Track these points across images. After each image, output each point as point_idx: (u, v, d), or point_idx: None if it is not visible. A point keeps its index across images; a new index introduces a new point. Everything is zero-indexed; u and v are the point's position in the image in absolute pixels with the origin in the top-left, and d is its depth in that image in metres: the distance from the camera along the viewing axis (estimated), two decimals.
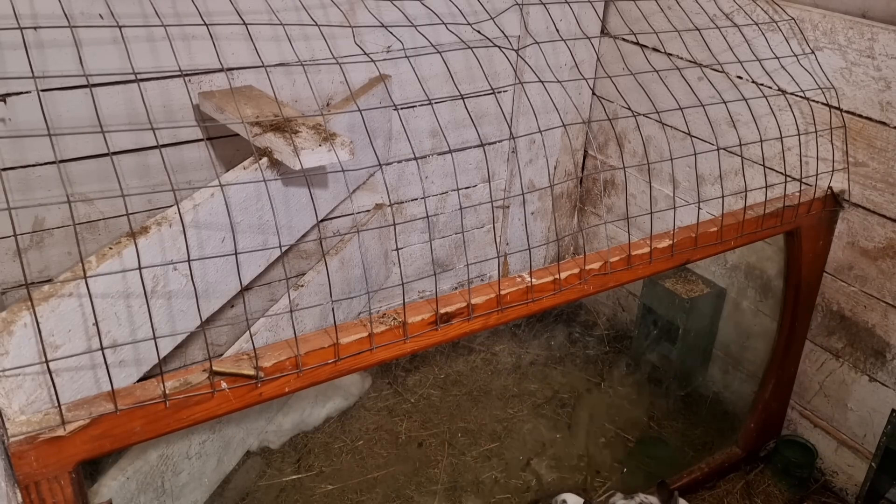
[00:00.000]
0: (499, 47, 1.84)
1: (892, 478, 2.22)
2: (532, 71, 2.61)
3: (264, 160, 1.84)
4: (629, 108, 2.62)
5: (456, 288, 3.07)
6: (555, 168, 3.12)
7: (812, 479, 2.43)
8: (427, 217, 2.90)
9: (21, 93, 1.97)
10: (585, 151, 3.19)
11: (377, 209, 2.69)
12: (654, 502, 2.10)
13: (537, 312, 1.73)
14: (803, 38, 2.19)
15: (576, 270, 1.68)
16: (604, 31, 2.86)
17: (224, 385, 1.31)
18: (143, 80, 2.12)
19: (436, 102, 2.49)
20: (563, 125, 2.85)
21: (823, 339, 2.36)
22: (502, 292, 1.58)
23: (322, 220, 2.58)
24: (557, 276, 1.65)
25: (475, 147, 2.79)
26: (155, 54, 2.08)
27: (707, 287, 2.69)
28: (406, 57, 1.80)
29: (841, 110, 2.15)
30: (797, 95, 2.17)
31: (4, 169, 2.02)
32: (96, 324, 1.36)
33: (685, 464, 2.43)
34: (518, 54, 2.65)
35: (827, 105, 2.16)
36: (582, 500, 2.04)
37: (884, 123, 2.06)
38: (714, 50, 2.25)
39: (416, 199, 2.82)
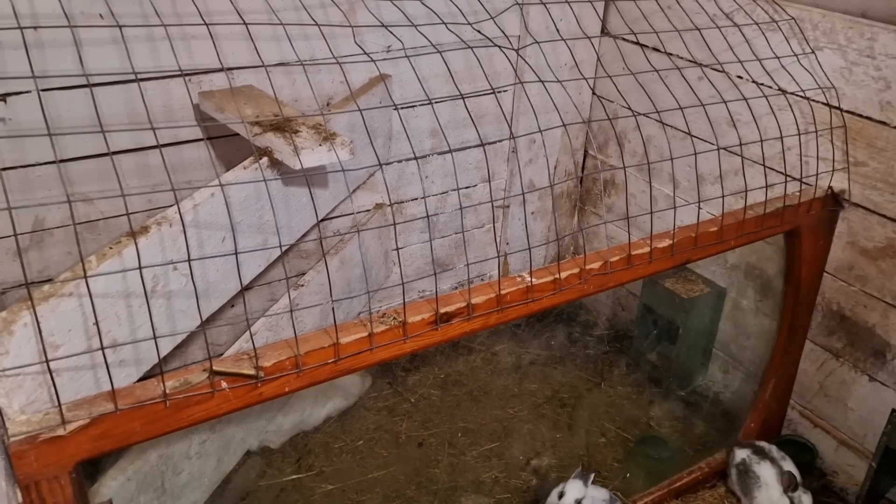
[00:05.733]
0: (499, 47, 1.84)
1: (892, 477, 2.22)
2: (532, 71, 2.61)
3: (264, 160, 1.84)
4: (629, 108, 2.61)
5: (456, 288, 3.06)
6: (555, 168, 3.12)
7: (812, 479, 2.42)
8: (427, 217, 2.90)
9: (21, 92, 1.97)
10: (585, 151, 3.19)
11: (377, 209, 2.69)
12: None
13: (537, 312, 1.73)
14: (803, 37, 2.19)
15: (576, 270, 1.68)
16: (604, 31, 2.86)
17: (224, 385, 1.31)
18: (143, 79, 2.11)
19: (436, 102, 2.49)
20: (563, 125, 2.84)
21: (823, 339, 2.36)
22: (502, 292, 1.58)
23: (322, 220, 2.58)
24: (557, 276, 1.65)
25: (475, 147, 2.79)
26: (155, 54, 2.08)
27: (707, 287, 2.69)
28: (406, 57, 1.80)
29: (841, 110, 2.15)
30: (797, 95, 2.17)
31: (4, 169, 2.01)
32: (96, 323, 1.36)
33: (685, 464, 2.43)
34: (518, 54, 2.65)
35: (827, 105, 2.16)
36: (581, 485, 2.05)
37: (884, 123, 2.06)
38: (714, 50, 2.24)
39: (416, 199, 2.82)
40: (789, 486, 2.14)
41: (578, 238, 3.35)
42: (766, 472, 2.22)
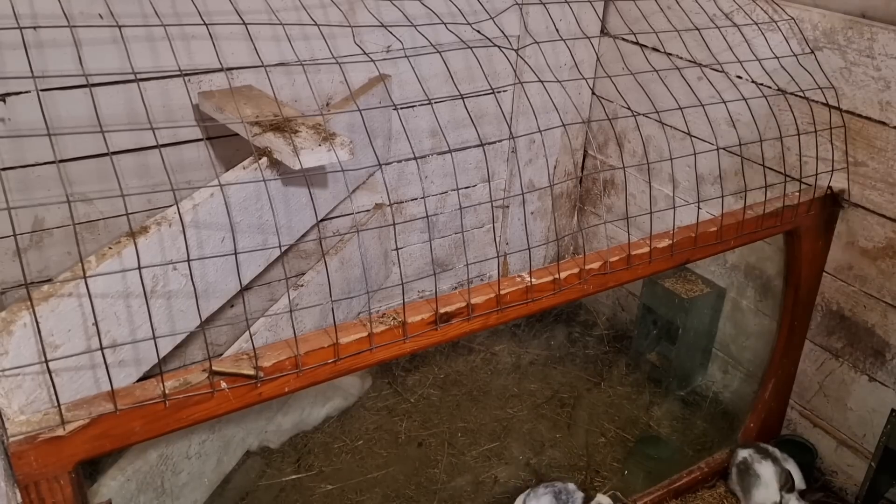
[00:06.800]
0: (499, 47, 1.84)
1: (892, 477, 2.23)
2: (532, 71, 2.61)
3: (264, 160, 1.84)
4: (629, 108, 2.62)
5: (456, 288, 3.07)
6: (554, 168, 3.12)
7: (812, 479, 2.43)
8: (427, 217, 2.90)
9: (21, 92, 1.97)
10: (585, 151, 3.19)
11: (377, 209, 2.69)
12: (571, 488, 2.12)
13: (537, 312, 1.73)
14: (803, 37, 2.19)
15: (575, 270, 1.68)
16: (603, 31, 2.86)
17: (224, 385, 1.31)
18: (142, 79, 2.11)
19: (435, 102, 2.49)
20: (563, 125, 2.84)
21: (823, 339, 2.36)
22: (502, 292, 1.58)
23: (322, 220, 2.58)
24: (557, 276, 1.65)
25: (475, 147, 2.79)
26: (154, 54, 2.08)
27: (707, 287, 2.69)
28: (406, 57, 1.80)
29: (841, 110, 2.15)
30: (797, 95, 2.17)
31: (4, 169, 2.01)
32: (96, 324, 1.36)
33: (685, 463, 2.43)
34: (518, 54, 2.65)
35: (826, 105, 2.16)
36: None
37: (883, 123, 2.06)
38: (714, 50, 2.25)
39: (416, 199, 2.82)
40: (785, 484, 2.15)
41: (578, 238, 3.35)
42: (766, 472, 2.22)
